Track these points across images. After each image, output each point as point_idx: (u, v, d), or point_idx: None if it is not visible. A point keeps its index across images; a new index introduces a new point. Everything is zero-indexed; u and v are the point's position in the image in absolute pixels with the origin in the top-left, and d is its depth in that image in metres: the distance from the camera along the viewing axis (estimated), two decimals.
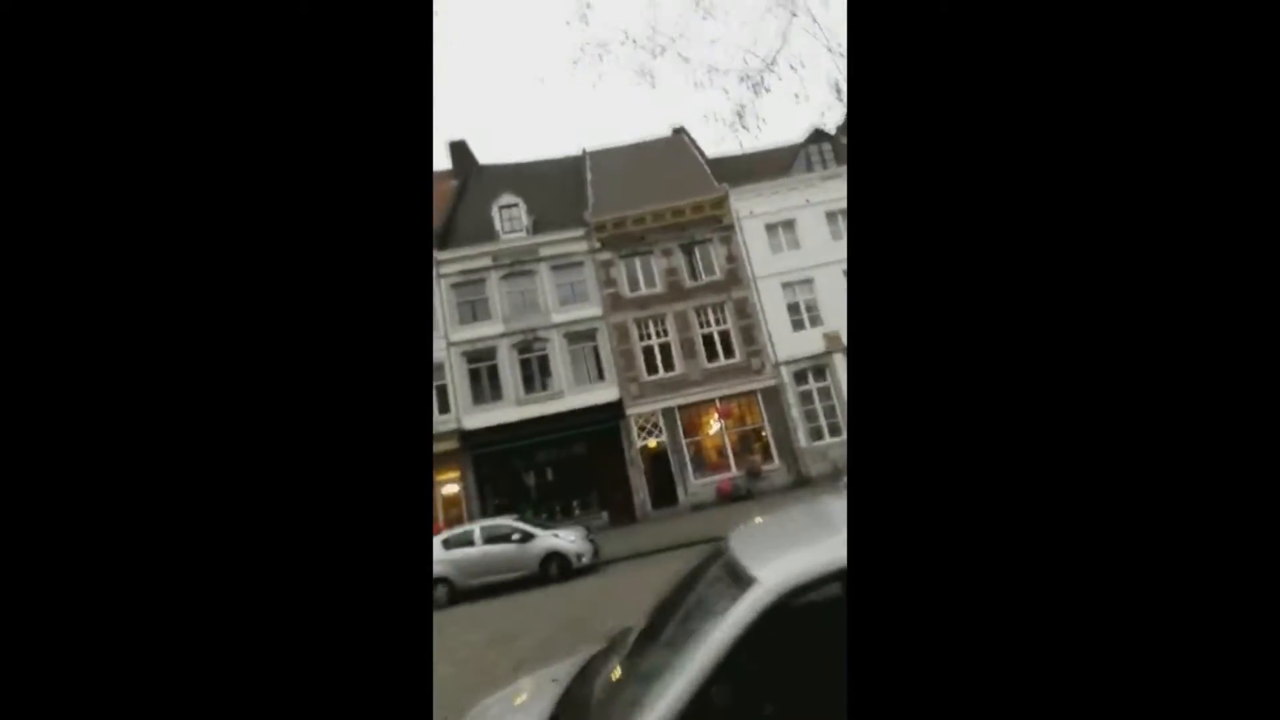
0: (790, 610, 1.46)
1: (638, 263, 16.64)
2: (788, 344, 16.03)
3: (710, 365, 15.97)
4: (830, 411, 15.86)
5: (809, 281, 16.37)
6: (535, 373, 15.96)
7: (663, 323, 16.25)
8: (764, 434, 15.69)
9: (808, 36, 14.02)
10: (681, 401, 15.69)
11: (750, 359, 15.98)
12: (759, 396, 15.82)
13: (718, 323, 16.34)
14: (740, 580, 1.64)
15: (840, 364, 15.79)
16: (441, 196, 19.29)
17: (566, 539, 9.59)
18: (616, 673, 1.94)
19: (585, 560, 9.46)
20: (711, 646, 1.45)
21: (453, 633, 7.07)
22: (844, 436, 15.54)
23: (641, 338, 16.17)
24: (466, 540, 9.65)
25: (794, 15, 5.32)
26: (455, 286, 16.34)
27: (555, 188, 19.10)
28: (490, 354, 15.95)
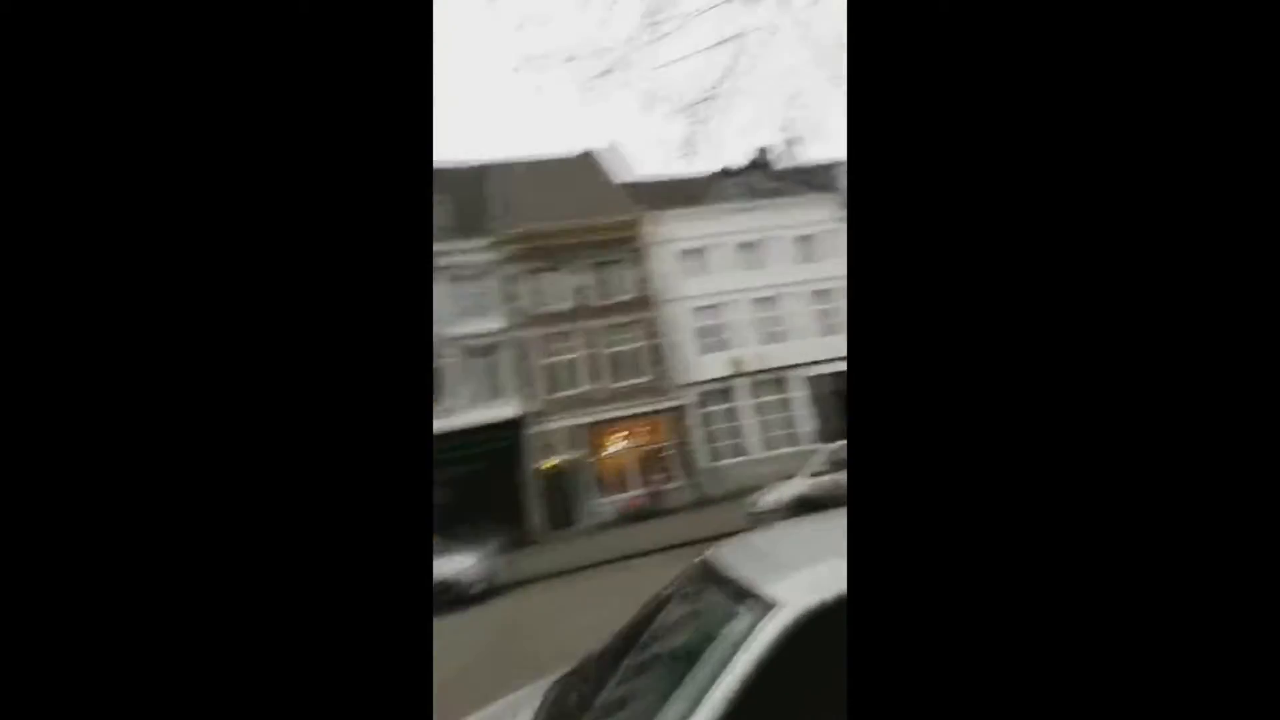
0: (814, 631, 1.36)
1: (546, 278, 16.36)
2: (695, 367, 16.39)
3: (617, 384, 15.93)
4: (732, 433, 16.36)
5: (717, 307, 16.91)
6: None
7: (569, 340, 16.04)
8: (668, 454, 15.83)
9: (752, 71, 14.72)
10: (586, 420, 15.49)
11: (658, 379, 16.15)
12: (665, 417, 15.98)
13: (627, 342, 16.41)
14: (748, 600, 1.53)
15: (742, 388, 16.38)
16: None
17: (459, 564, 8.96)
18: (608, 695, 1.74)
19: (480, 587, 8.89)
20: (735, 672, 1.31)
21: None
22: (745, 458, 16.09)
23: (547, 354, 15.83)
24: None
25: (741, 52, 5.50)
26: None
27: (464, 196, 18.40)
28: None
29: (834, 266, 17.66)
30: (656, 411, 15.95)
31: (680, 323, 16.59)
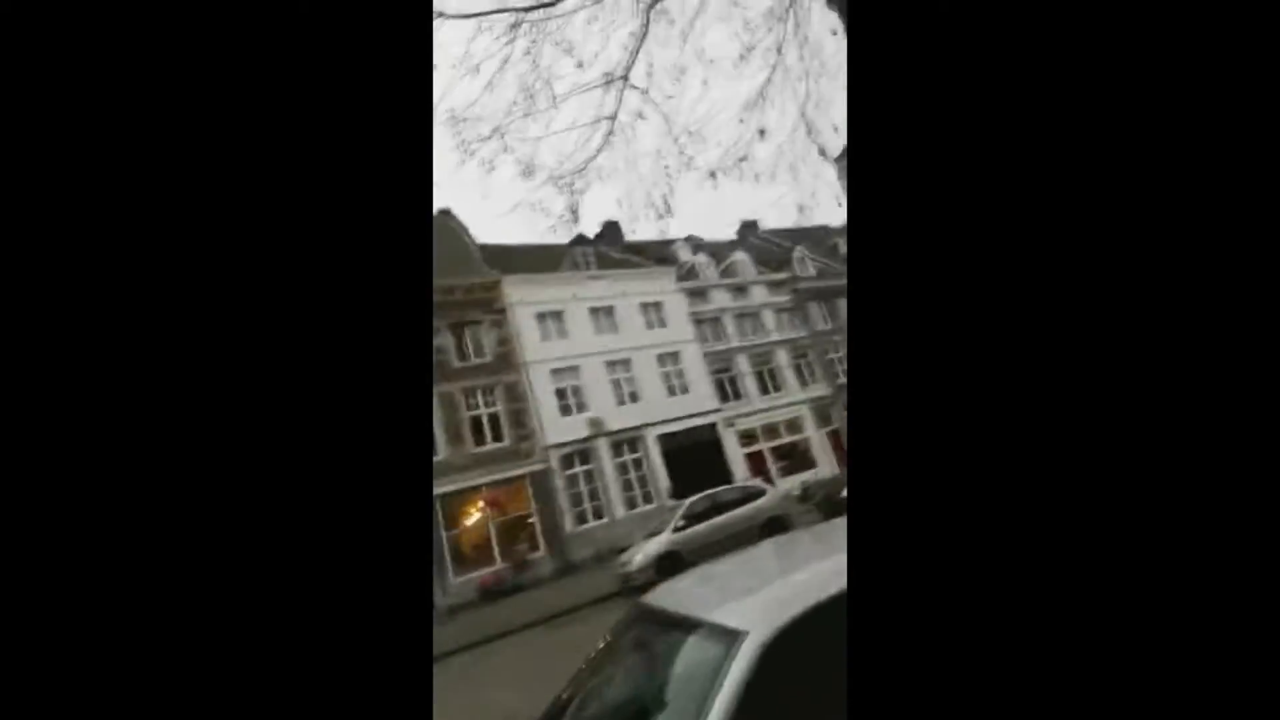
0: (781, 654, 1.49)
1: None
2: (556, 428, 16.26)
3: (477, 450, 15.23)
4: (594, 494, 16.30)
5: (575, 369, 17.12)
6: None
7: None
8: (531, 520, 15.27)
9: (623, 148, 15.60)
10: (443, 490, 14.49)
11: (520, 443, 15.71)
12: (527, 481, 15.50)
13: (487, 405, 15.87)
14: (712, 633, 1.62)
15: (604, 448, 16.52)
16: None
17: None
18: None
19: None
20: (720, 709, 1.39)
21: None
22: (606, 519, 16.03)
23: None
24: None
25: (610, 134, 5.98)
26: None
27: None
28: None
29: (677, 331, 18.98)
30: (520, 476, 15.43)
31: (540, 384, 16.49)
